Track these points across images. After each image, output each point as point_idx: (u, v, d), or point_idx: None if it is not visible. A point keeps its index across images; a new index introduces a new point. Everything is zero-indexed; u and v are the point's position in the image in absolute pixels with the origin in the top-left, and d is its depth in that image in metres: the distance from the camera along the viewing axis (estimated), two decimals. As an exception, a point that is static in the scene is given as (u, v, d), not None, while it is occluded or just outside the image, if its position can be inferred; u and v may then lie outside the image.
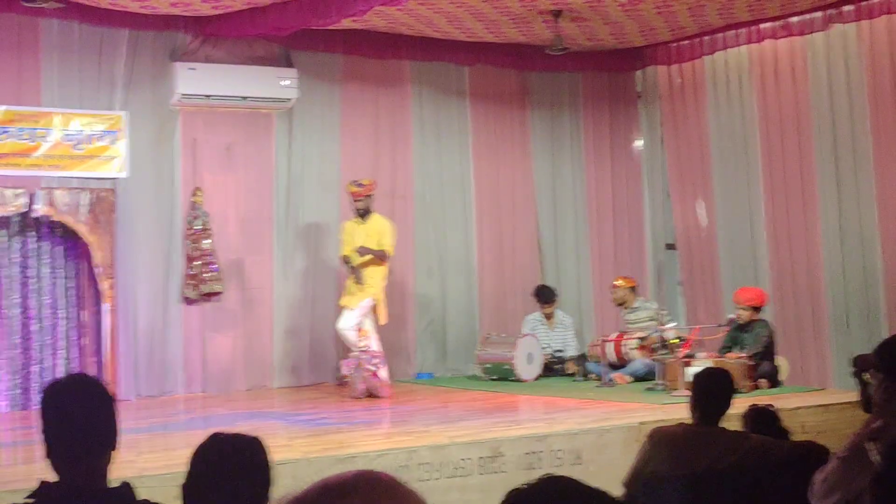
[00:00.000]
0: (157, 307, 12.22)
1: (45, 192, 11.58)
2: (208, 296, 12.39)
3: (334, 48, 13.15)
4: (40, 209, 11.55)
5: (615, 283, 12.95)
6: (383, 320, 11.78)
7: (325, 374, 13.04)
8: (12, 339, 11.70)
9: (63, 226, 11.82)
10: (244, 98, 12.58)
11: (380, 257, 11.66)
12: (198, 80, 12.27)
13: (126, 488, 3.34)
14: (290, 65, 12.92)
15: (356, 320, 11.63)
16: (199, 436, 8.82)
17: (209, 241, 12.35)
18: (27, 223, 11.81)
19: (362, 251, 11.57)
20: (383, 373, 11.57)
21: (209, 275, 12.32)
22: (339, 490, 1.45)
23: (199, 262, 12.30)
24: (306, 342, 12.99)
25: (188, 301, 12.36)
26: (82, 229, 11.76)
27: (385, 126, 13.65)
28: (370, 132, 13.55)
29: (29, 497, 3.26)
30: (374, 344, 11.66)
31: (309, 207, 13.10)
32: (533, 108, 14.70)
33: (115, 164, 12.04)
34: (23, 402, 11.62)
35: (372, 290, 11.64)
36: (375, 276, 11.69)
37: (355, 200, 11.84)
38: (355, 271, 11.67)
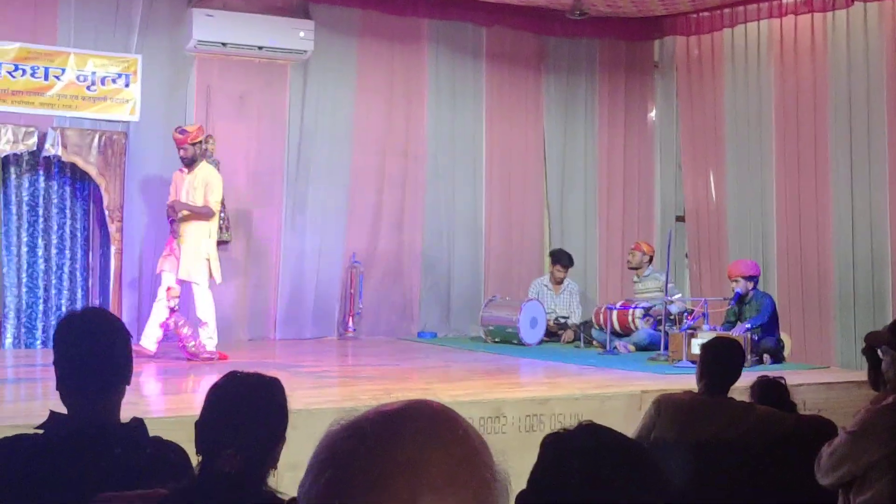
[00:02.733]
0: (161, 252, 12.18)
1: (57, 132, 11.56)
2: (216, 244, 12.35)
3: (352, 2, 13.10)
4: (51, 149, 11.53)
5: (638, 246, 12.90)
6: (218, 279, 10.67)
7: (327, 328, 13.06)
8: (20, 277, 11.72)
9: (73, 166, 11.82)
10: (260, 48, 12.52)
11: (203, 214, 10.46)
12: (215, 26, 12.22)
13: (139, 424, 3.33)
14: (307, 16, 12.85)
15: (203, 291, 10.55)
16: (194, 382, 8.85)
17: (218, 189, 12.30)
18: (37, 162, 11.80)
19: (178, 206, 10.43)
20: (204, 333, 10.49)
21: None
22: (392, 417, 1.44)
23: (208, 210, 12.26)
24: (310, 296, 13.00)
25: (195, 249, 12.33)
26: (92, 171, 11.76)
27: (400, 83, 13.60)
28: (385, 89, 13.50)
29: (38, 428, 3.26)
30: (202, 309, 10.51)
31: (320, 161, 13.07)
32: (548, 72, 14.64)
33: (127, 107, 12.01)
34: (28, 339, 11.66)
35: (202, 251, 10.46)
36: (199, 234, 10.48)
37: (178, 149, 10.59)
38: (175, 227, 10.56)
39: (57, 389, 3.33)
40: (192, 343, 10.35)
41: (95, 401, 3.29)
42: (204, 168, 10.62)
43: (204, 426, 3.01)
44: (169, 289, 10.44)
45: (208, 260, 10.48)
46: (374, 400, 7.87)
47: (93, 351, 3.30)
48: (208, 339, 10.45)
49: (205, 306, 10.47)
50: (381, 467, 1.39)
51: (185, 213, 10.43)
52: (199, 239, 10.45)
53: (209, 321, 10.48)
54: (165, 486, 2.95)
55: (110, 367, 3.32)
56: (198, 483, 2.93)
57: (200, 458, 2.97)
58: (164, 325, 10.44)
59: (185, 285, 10.55)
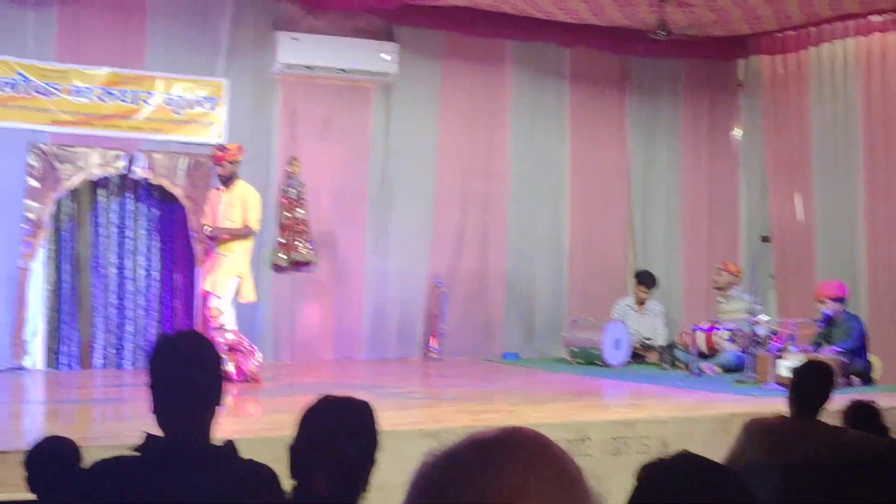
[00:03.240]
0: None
1: (144, 155, 11.73)
2: (299, 265, 12.48)
3: (436, 24, 13.14)
4: (139, 171, 11.71)
5: (725, 267, 12.78)
6: (252, 297, 10.58)
7: (411, 348, 13.09)
8: (108, 299, 11.89)
9: (160, 189, 12.00)
10: (344, 70, 12.60)
11: (243, 236, 10.38)
12: (300, 50, 12.33)
13: (230, 446, 3.35)
14: (391, 39, 12.92)
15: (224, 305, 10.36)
16: (283, 403, 8.92)
17: (303, 210, 12.42)
18: (126, 185, 11.98)
19: (216, 233, 10.37)
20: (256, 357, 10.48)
21: (301, 244, 12.39)
22: (487, 446, 1.43)
23: (292, 232, 12.37)
24: (394, 316, 13.04)
25: (279, 269, 12.46)
26: (179, 193, 11.92)
27: (483, 105, 13.62)
28: (468, 110, 13.52)
29: (135, 449, 3.30)
30: (230, 324, 10.39)
31: (403, 182, 13.12)
32: (632, 93, 14.58)
33: (213, 130, 12.16)
34: (116, 360, 11.81)
35: (234, 269, 10.33)
36: (238, 251, 10.38)
37: (216, 166, 10.57)
38: (214, 245, 10.52)
39: (152, 412, 3.36)
40: (253, 362, 10.30)
41: (190, 423, 3.32)
42: (241, 186, 10.50)
43: (297, 450, 3.02)
44: (210, 309, 10.36)
45: (240, 277, 10.33)
46: (463, 426, 7.87)
47: (187, 374, 3.34)
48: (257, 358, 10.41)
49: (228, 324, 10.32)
50: (480, 497, 1.37)
51: (225, 235, 10.33)
52: (235, 256, 10.33)
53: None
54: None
55: (204, 390, 3.36)
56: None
57: (294, 482, 2.98)
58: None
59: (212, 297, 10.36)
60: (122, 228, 11.99)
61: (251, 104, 12.39)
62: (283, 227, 12.39)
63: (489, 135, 13.65)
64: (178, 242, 12.22)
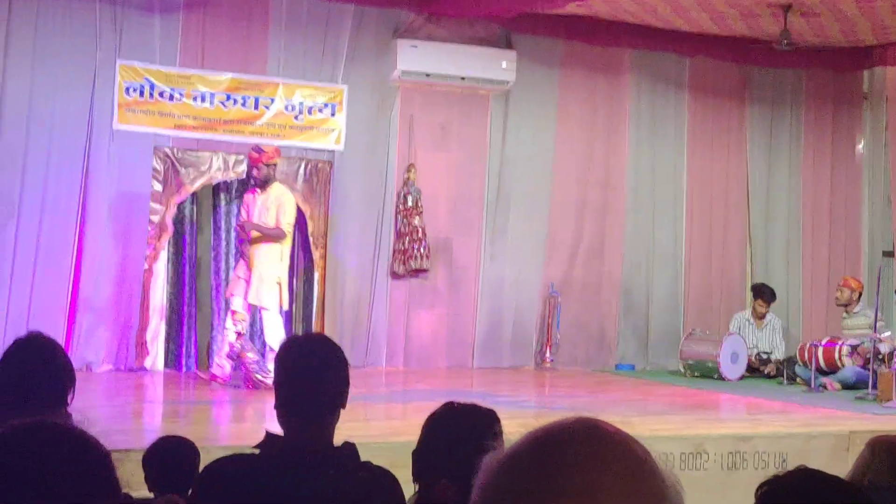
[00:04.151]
0: (364, 280, 12.40)
1: (265, 160, 11.85)
2: (415, 272, 12.52)
3: (555, 33, 13.09)
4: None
5: (846, 283, 12.54)
6: (285, 305, 10.51)
7: (525, 357, 13.06)
8: (228, 302, 12.03)
9: (279, 194, 12.10)
10: (463, 78, 12.63)
11: (273, 236, 10.22)
12: (419, 57, 12.38)
13: (350, 448, 3.35)
14: (510, 47, 12.92)
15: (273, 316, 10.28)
16: (397, 409, 8.95)
17: (419, 218, 12.46)
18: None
19: (248, 227, 10.26)
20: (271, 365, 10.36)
21: (418, 251, 12.43)
22: (549, 443, 1.35)
23: (409, 239, 12.43)
24: (509, 325, 13.02)
25: (395, 276, 12.51)
26: (298, 198, 12.00)
27: (601, 114, 13.55)
28: (586, 119, 13.46)
29: (255, 448, 3.32)
30: (273, 331, 10.23)
31: (520, 190, 13.09)
32: (752, 103, 14.39)
33: (332, 136, 12.27)
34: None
35: (273, 275, 10.17)
36: (273, 258, 10.24)
37: (251, 167, 10.47)
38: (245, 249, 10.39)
39: (275, 409, 3.38)
40: (258, 371, 10.05)
41: (312, 424, 3.32)
42: (276, 189, 10.42)
43: (421, 455, 3.02)
44: (234, 313, 10.29)
45: (279, 284, 10.21)
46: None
47: (314, 375, 3.35)
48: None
49: (274, 333, 10.17)
50: (546, 500, 1.30)
51: (256, 234, 10.22)
52: (270, 262, 10.18)
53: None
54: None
55: (330, 392, 3.35)
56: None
57: (417, 487, 2.98)
58: (230, 350, 10.27)
59: (255, 310, 10.36)
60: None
61: (370, 111, 12.48)
62: (399, 235, 12.45)
63: (606, 144, 13.57)
64: (297, 247, 12.33)
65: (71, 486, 1.64)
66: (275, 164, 10.46)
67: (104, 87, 11.35)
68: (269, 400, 8.79)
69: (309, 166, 12.12)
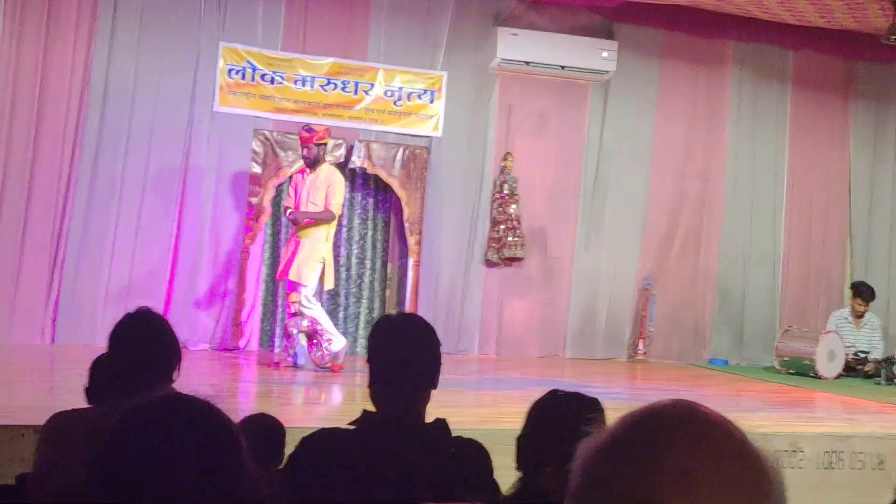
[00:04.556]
0: (459, 266, 12.42)
1: (363, 145, 11.94)
2: (510, 260, 12.50)
3: (657, 23, 12.99)
4: (357, 161, 11.92)
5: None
6: (331, 285, 10.51)
7: (617, 349, 13.00)
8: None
9: (377, 179, 12.18)
10: (562, 67, 12.57)
11: (325, 220, 10.22)
12: (519, 45, 12.35)
13: (442, 424, 3.44)
14: (610, 37, 12.83)
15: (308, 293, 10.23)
16: (487, 396, 8.94)
17: (515, 206, 12.44)
18: (343, 174, 12.16)
19: (300, 217, 10.21)
20: (329, 346, 10.25)
21: (512, 240, 12.41)
22: (646, 425, 1.34)
23: (504, 227, 12.41)
24: (602, 316, 12.96)
25: (489, 264, 12.51)
26: (395, 184, 12.08)
27: (701, 106, 13.41)
28: (686, 111, 13.34)
29: (351, 424, 3.39)
30: (312, 311, 10.26)
31: (617, 181, 13.02)
32: (857, 98, 14.14)
33: (431, 122, 12.29)
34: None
35: (317, 254, 10.17)
36: (318, 237, 10.23)
37: (301, 147, 10.43)
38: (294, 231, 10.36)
39: (369, 387, 3.47)
40: (318, 351, 10.21)
41: (405, 400, 3.41)
42: (326, 169, 10.36)
43: (526, 442, 3.02)
44: (288, 294, 10.33)
45: (323, 264, 10.21)
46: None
47: (408, 353, 3.44)
48: (327, 348, 10.25)
49: (308, 311, 10.22)
50: (644, 483, 1.28)
51: (304, 217, 10.19)
52: (315, 241, 10.18)
53: (327, 328, 10.26)
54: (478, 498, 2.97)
55: (422, 370, 3.44)
56: (518, 498, 2.94)
57: (521, 474, 2.98)
58: (285, 329, 10.39)
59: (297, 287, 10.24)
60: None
61: (468, 98, 12.48)
62: (494, 222, 12.44)
63: (706, 136, 13.43)
64: (392, 232, 12.40)
65: (202, 460, 1.66)
66: (325, 144, 10.42)
67: (206, 68, 11.50)
68: (337, 380, 8.66)
69: (406, 152, 12.15)
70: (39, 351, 10.71)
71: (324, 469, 3.31)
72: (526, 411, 3.11)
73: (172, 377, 3.48)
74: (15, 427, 6.28)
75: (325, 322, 10.30)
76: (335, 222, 10.40)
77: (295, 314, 10.24)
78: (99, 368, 4.36)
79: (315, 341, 10.27)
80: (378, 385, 3.44)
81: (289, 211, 10.40)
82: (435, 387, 3.48)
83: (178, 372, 3.50)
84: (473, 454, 3.46)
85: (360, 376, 9.72)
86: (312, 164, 10.30)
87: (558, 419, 3.03)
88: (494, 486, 3.51)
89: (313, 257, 10.12)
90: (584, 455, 1.37)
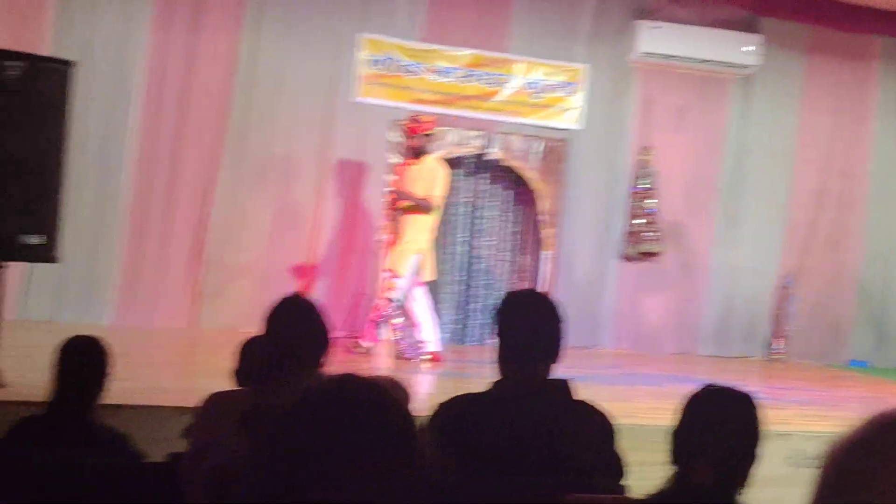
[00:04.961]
0: (594, 260, 12.37)
1: (501, 137, 11.95)
2: (646, 255, 12.41)
3: (803, 17, 12.73)
4: (494, 153, 11.94)
5: None
6: (431, 276, 10.33)
7: (754, 347, 12.81)
8: (456, 276, 12.18)
9: (513, 171, 12.19)
10: (704, 61, 12.42)
11: (423, 207, 10.04)
12: (659, 39, 12.24)
13: (562, 382, 3.73)
14: (754, 31, 12.63)
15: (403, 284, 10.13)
16: (621, 391, 8.89)
17: (653, 201, 12.34)
18: (480, 165, 12.23)
19: (401, 194, 10.13)
20: (419, 335, 10.18)
21: (649, 234, 12.32)
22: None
23: (641, 221, 12.32)
24: (739, 313, 12.78)
25: (625, 258, 12.43)
26: (532, 176, 12.08)
27: (846, 102, 13.13)
28: (831, 107, 13.06)
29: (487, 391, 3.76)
30: (415, 301, 10.18)
31: (757, 177, 12.82)
32: None
33: (569, 115, 12.24)
34: (460, 336, 12.09)
35: (414, 245, 10.08)
36: (419, 228, 10.13)
37: (407, 137, 10.30)
38: (396, 218, 10.27)
39: (496, 360, 3.77)
40: (404, 339, 10.14)
41: (528, 369, 3.70)
42: (430, 161, 10.21)
43: (680, 436, 3.00)
44: (384, 281, 10.25)
45: (421, 254, 10.10)
46: (814, 431, 7.63)
47: (531, 325, 3.73)
48: (420, 339, 10.17)
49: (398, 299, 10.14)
50: None
51: (408, 204, 10.09)
52: (416, 232, 10.08)
53: (423, 320, 10.16)
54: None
55: (544, 341, 3.72)
56: (672, 493, 2.92)
57: (675, 468, 2.97)
58: (377, 315, 10.26)
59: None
60: (474, 208, 12.27)
61: (608, 91, 12.40)
62: (632, 216, 12.36)
63: (850, 132, 13.15)
64: (528, 225, 12.39)
65: (379, 442, 1.68)
66: (430, 135, 10.32)
67: (347, 59, 11.61)
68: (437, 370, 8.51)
69: (544, 145, 12.13)
70: (183, 335, 10.96)
71: (457, 426, 3.59)
72: (680, 405, 3.09)
73: (321, 363, 3.53)
74: (161, 408, 6.43)
75: (422, 314, 10.23)
76: (438, 214, 10.33)
77: (387, 302, 10.18)
78: (249, 351, 4.44)
79: (404, 331, 10.26)
80: (504, 355, 3.73)
81: (390, 189, 10.35)
82: (556, 361, 3.74)
83: (326, 358, 3.56)
84: (596, 419, 3.76)
85: (474, 366, 9.79)
86: (417, 154, 10.21)
87: (713, 414, 3.01)
88: (616, 457, 3.77)
89: (411, 248, 10.08)
90: (836, 451, 1.40)
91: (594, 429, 3.74)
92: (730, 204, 12.78)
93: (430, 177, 10.08)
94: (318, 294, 11.40)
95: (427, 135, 10.21)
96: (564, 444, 3.62)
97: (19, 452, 4.10)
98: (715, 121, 12.80)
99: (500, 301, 3.88)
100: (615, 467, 3.74)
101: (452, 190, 12.13)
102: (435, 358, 10.12)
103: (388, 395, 1.76)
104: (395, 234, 10.24)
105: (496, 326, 3.76)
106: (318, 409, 1.69)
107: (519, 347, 3.69)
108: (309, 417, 1.69)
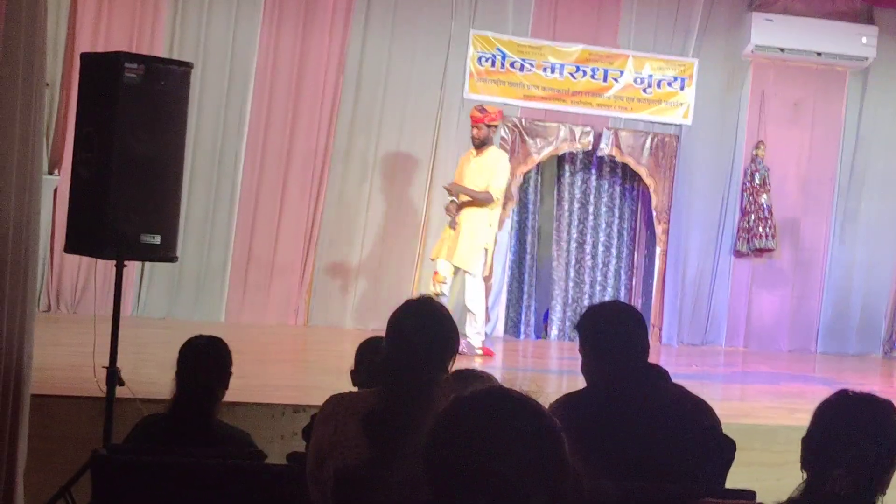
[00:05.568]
0: (707, 257, 12.22)
1: (611, 133, 11.88)
2: (760, 251, 12.23)
3: (921, 7, 12.46)
4: (605, 149, 11.87)
5: None
6: (486, 271, 10.19)
7: (872, 344, 12.54)
8: (568, 272, 12.13)
9: (624, 167, 12.11)
10: (819, 54, 12.20)
11: (481, 200, 9.81)
12: (773, 31, 12.04)
13: (659, 368, 3.98)
14: (871, 22, 12.37)
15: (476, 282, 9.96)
16: (735, 390, 8.77)
17: (766, 196, 12.15)
18: (590, 161, 12.17)
19: (455, 189, 9.91)
20: (471, 327, 9.89)
21: (763, 230, 12.13)
22: None
23: (754, 217, 12.14)
24: (856, 310, 12.52)
25: (738, 254, 12.27)
26: (643, 172, 11.99)
27: (967, 93, 12.79)
28: (951, 98, 12.73)
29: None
30: (472, 292, 9.96)
31: (876, 172, 12.55)
32: None
33: (680, 110, 12.12)
34: (572, 333, 12.01)
35: (481, 241, 9.85)
36: (482, 224, 9.87)
37: (472, 126, 10.06)
38: (454, 210, 9.92)
39: (582, 371, 4.02)
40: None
41: (609, 379, 3.89)
42: (493, 152, 10.06)
43: (813, 443, 2.93)
44: (435, 273, 9.99)
45: (486, 251, 9.92)
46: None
47: (611, 336, 3.90)
48: (475, 333, 9.91)
49: (476, 297, 9.93)
50: None
51: (465, 198, 9.88)
52: (477, 227, 9.83)
53: (478, 313, 9.94)
54: None
55: (626, 350, 3.89)
56: (804, 500, 2.86)
57: (806, 476, 2.90)
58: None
59: (458, 273, 10.00)
60: (584, 204, 12.22)
61: (720, 85, 12.24)
62: (744, 212, 12.18)
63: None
64: (639, 221, 12.30)
65: (528, 454, 1.67)
66: (495, 126, 10.25)
67: (457, 56, 11.61)
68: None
69: (655, 140, 12.01)
70: (293, 332, 11.05)
71: (581, 427, 3.46)
72: (813, 411, 3.01)
73: (448, 367, 3.51)
74: (274, 406, 6.48)
75: (481, 311, 10.07)
76: (499, 209, 10.15)
77: (438, 295, 9.72)
78: (367, 352, 4.44)
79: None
80: (588, 365, 3.98)
81: (447, 188, 10.18)
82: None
83: (453, 362, 3.55)
84: (688, 405, 3.90)
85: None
86: (480, 144, 10.02)
87: (849, 422, 2.93)
88: (727, 441, 3.93)
89: (477, 244, 9.88)
90: None
91: (701, 410, 3.94)
92: (847, 199, 12.52)
93: (493, 169, 9.89)
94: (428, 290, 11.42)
95: (491, 125, 10.09)
96: (676, 429, 3.79)
97: (144, 451, 4.15)
98: (831, 114, 12.55)
99: (581, 317, 4.14)
100: (727, 448, 3.93)
101: (564, 186, 12.13)
102: (486, 352, 10.00)
103: (540, 406, 1.75)
104: (455, 228, 9.96)
105: (579, 337, 4.07)
106: (475, 424, 1.68)
107: (602, 359, 3.93)
108: (453, 428, 1.68)
